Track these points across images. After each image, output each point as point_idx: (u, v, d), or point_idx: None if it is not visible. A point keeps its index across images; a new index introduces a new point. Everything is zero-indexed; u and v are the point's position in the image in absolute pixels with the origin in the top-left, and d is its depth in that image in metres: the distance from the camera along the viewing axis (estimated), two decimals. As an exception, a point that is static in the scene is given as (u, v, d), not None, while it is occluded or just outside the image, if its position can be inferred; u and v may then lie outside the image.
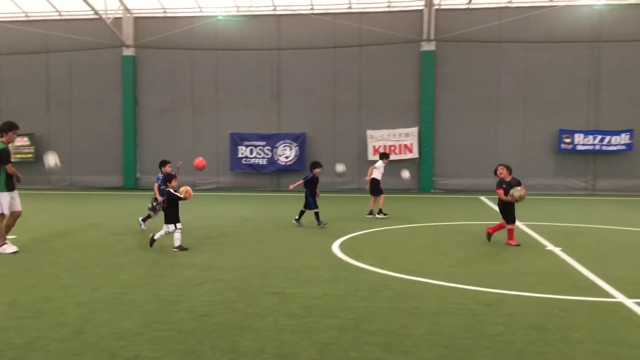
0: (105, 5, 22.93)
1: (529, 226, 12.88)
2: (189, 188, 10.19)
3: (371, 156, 22.87)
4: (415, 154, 22.76)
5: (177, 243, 9.83)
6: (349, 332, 5.56)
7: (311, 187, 12.78)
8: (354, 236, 11.58)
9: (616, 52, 22.01)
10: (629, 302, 6.63)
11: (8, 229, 9.75)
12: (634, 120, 21.83)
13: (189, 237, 11.36)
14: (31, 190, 22.50)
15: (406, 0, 22.87)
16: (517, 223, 13.51)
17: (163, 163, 12.50)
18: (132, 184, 24.42)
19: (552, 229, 12.26)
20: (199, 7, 23.83)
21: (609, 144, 21.81)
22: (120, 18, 23.92)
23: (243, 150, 23.61)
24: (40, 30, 24.44)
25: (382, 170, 14.80)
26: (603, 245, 10.56)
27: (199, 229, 12.56)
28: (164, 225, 10.01)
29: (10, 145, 9.71)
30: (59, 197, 21.39)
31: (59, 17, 24.56)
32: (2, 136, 9.48)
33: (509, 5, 22.41)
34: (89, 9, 22.05)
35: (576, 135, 21.95)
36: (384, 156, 15.21)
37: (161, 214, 11.10)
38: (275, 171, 23.68)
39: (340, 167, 15.73)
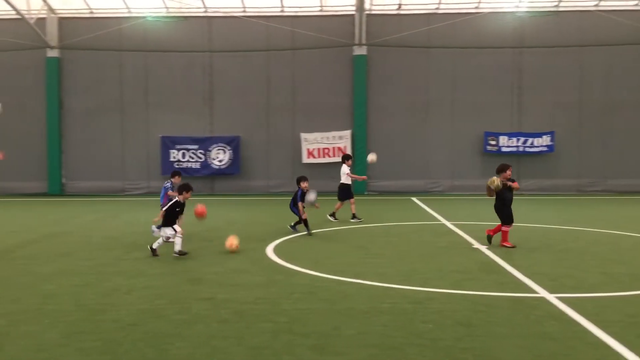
0: (28, 5, 21.94)
1: (456, 225, 13.26)
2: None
3: (305, 159, 22.96)
4: (348, 157, 22.99)
5: (177, 247, 9.63)
6: (281, 336, 5.54)
7: (302, 200, 12.16)
8: (289, 239, 11.56)
9: (537, 58, 23.03)
10: (551, 297, 6.93)
11: None
12: (555, 122, 22.90)
13: (119, 243, 11.02)
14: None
15: (338, 5, 23.12)
16: (446, 222, 13.92)
17: (174, 174, 12.36)
18: (57, 190, 23.46)
19: (479, 228, 12.67)
20: (127, 8, 23.20)
21: (532, 145, 22.79)
22: (44, 18, 22.97)
23: (175, 154, 23.15)
24: (-45, 29, 23.13)
25: (347, 171, 14.49)
26: (526, 243, 11.00)
27: (128, 235, 12.21)
28: (162, 230, 9.83)
29: None
30: (-23, 204, 20.27)
31: (-24, 16, 23.32)
32: None
33: (436, 11, 23.04)
34: (11, 8, 21.05)
35: (501, 137, 22.81)
36: (346, 158, 14.86)
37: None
38: (209, 175, 23.35)
39: (371, 156, 15.24)
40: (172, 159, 23.15)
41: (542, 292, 7.16)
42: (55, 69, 23.27)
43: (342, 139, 23.03)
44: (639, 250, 10.23)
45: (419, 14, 23.04)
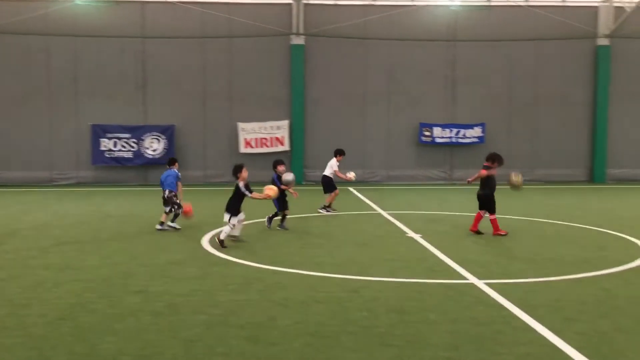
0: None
1: (392, 215, 13.49)
2: (274, 188, 10.30)
3: (243, 149, 22.72)
4: (286, 147, 22.93)
5: (222, 236, 9.45)
6: (216, 328, 5.49)
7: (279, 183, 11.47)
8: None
9: (470, 51, 23.63)
10: (480, 283, 7.17)
11: None
12: (485, 114, 23.61)
13: (46, 237, 10.58)
14: None
15: (275, -7, 22.93)
16: (382, 212, 14.14)
17: (172, 161, 12.22)
18: (-21, 181, 22.27)
19: (413, 217, 12.95)
20: (55, -10, 22.19)
21: (464, 137, 23.42)
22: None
23: (106, 143, 22.39)
24: None
25: (335, 167, 14.24)
26: (458, 231, 11.33)
27: (56, 227, 11.75)
28: (231, 219, 9.58)
29: None
30: None
31: None
32: None
33: (373, 3, 23.22)
34: None
35: (435, 128, 23.32)
36: (338, 152, 14.52)
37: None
38: (142, 165, 22.72)
39: (350, 175, 14.50)
40: (103, 148, 22.38)
41: (472, 279, 7.40)
42: (-24, 52, 22.01)
43: (279, 129, 22.93)
44: (563, 238, 10.72)
45: (356, 5, 23.14)
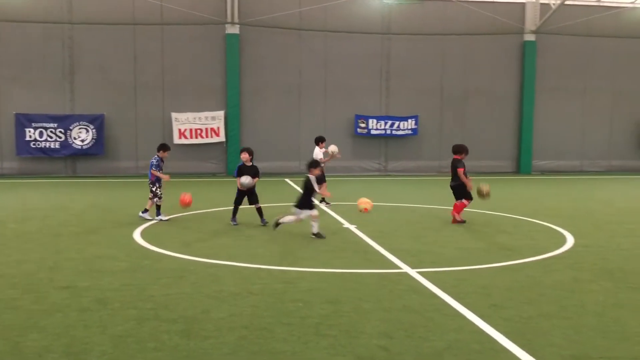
0: None
1: (328, 206, 13.56)
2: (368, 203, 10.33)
3: (177, 139, 22.24)
4: (222, 138, 22.63)
5: (315, 230, 9.64)
6: (147, 322, 5.36)
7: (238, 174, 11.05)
8: (157, 223, 11.18)
9: (403, 45, 24.02)
10: (412, 272, 7.32)
11: None
12: (418, 107, 24.10)
13: (-37, 230, 10.02)
14: None
15: (209, -19, 22.48)
16: (317, 203, 14.17)
17: (163, 147, 11.62)
18: None
19: (349, 208, 13.06)
20: (-27, -30, 20.95)
21: (398, 128, 23.84)
22: None
23: (31, 133, 21.40)
24: None
25: (320, 155, 13.87)
26: (391, 222, 11.53)
27: (-24, 221, 11.15)
28: (296, 210, 9.68)
29: None
30: None
31: None
32: None
33: (308, -7, 23.19)
34: None
35: (370, 120, 23.62)
36: (319, 140, 14.17)
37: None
38: (69, 155, 21.87)
39: (332, 147, 14.29)
40: (28, 138, 21.38)
41: (405, 268, 7.55)
42: None
43: (215, 120, 22.59)
44: (491, 227, 11.10)
45: (292, -5, 23.07)
